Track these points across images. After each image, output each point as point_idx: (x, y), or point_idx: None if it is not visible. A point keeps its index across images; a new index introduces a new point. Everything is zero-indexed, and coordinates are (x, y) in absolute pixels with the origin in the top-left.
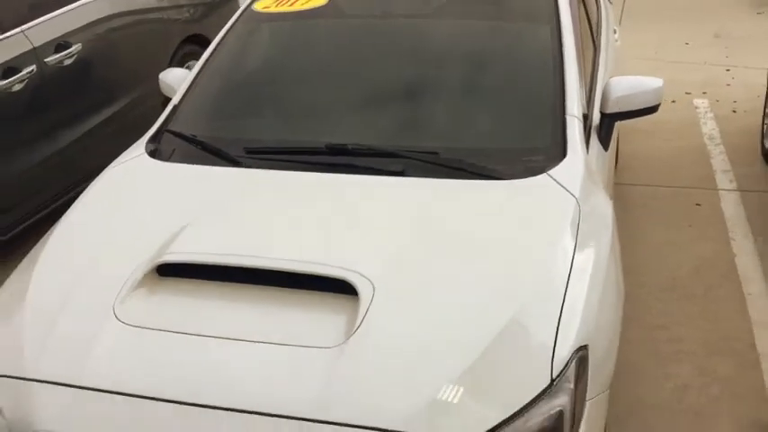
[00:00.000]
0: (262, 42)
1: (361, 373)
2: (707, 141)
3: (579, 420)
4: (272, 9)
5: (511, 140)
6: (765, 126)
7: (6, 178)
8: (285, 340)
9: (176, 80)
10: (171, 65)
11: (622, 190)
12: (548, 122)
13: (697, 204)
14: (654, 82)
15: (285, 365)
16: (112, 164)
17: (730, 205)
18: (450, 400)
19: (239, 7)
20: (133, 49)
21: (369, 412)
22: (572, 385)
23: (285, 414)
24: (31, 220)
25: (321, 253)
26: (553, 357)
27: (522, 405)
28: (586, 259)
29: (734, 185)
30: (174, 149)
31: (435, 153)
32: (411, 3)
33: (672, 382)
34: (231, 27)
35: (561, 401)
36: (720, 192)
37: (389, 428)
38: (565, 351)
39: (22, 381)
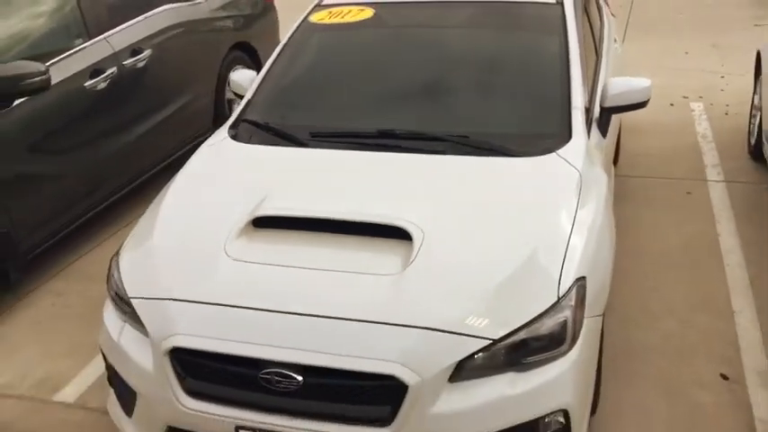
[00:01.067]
0: (318, 47)
1: (415, 292)
2: (700, 140)
3: (579, 332)
4: (327, 21)
5: (526, 127)
6: (751, 126)
7: (93, 164)
8: (356, 269)
9: (245, 79)
10: (221, 69)
11: (624, 181)
12: (556, 113)
13: (688, 193)
14: (643, 82)
15: (357, 286)
16: (204, 145)
17: (717, 194)
18: (483, 309)
19: (277, 18)
20: (192, 54)
21: (415, 316)
22: (573, 303)
23: (357, 318)
24: (114, 198)
25: (381, 208)
26: (559, 283)
27: (535, 315)
28: (586, 215)
29: (721, 177)
30: (252, 135)
31: (466, 136)
32: (442, 15)
33: (659, 330)
34: (292, 35)
35: (565, 314)
36: (709, 182)
37: (438, 328)
38: (568, 279)
39: (158, 300)
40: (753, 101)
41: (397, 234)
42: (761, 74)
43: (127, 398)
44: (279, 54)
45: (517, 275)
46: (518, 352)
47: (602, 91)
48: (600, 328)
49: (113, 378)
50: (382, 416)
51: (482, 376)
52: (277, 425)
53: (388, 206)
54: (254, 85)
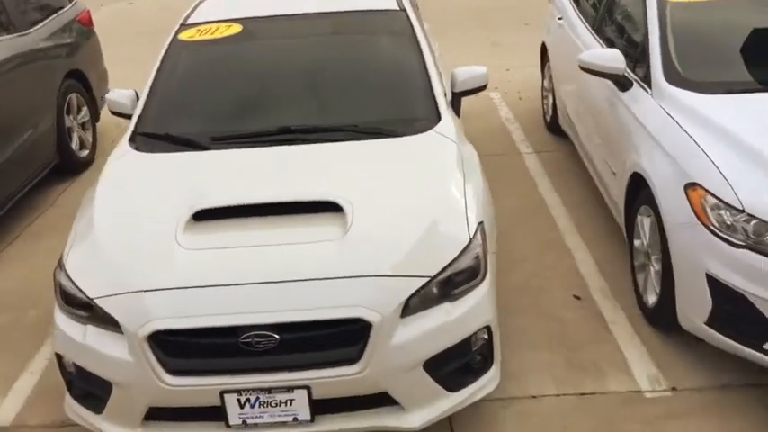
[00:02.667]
0: (196, 62)
1: (359, 250)
2: (505, 122)
3: (486, 264)
4: (197, 38)
5: (401, 113)
6: (545, 106)
7: None
8: (304, 240)
9: (124, 97)
10: (58, 98)
11: None
12: (423, 99)
13: (507, 165)
14: (481, 69)
15: (310, 252)
16: (111, 159)
17: (531, 163)
18: (416, 256)
19: (99, 43)
20: (29, 87)
21: (366, 268)
22: (480, 242)
23: (318, 277)
24: None
25: (307, 189)
26: (468, 227)
27: (456, 254)
28: (469, 176)
29: (531, 149)
30: (153, 145)
31: (355, 125)
32: (306, 26)
33: (522, 271)
34: (166, 53)
35: (477, 251)
36: (523, 155)
37: (387, 274)
38: (473, 224)
39: (125, 295)
40: (543, 85)
41: (327, 208)
42: (548, 61)
43: (96, 395)
44: (158, 71)
45: (436, 226)
46: (447, 286)
47: (451, 79)
48: (495, 262)
49: (77, 380)
50: (351, 355)
51: (424, 309)
52: (258, 381)
53: (312, 186)
54: (142, 102)
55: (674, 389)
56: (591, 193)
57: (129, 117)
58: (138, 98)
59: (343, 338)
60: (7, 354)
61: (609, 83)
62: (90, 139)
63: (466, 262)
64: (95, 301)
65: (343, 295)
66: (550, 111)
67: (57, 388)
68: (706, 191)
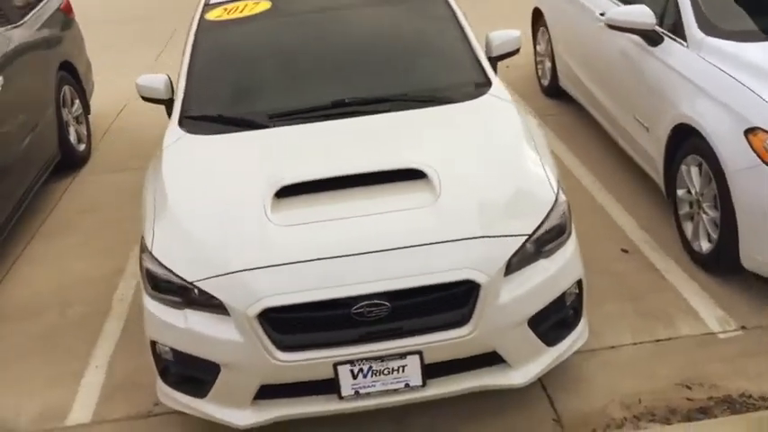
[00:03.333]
0: (232, 41)
1: (455, 214)
2: None
3: (571, 220)
4: (225, 17)
5: (451, 79)
6: (539, 71)
7: None
8: (393, 209)
9: (158, 82)
10: (56, 92)
11: None
12: (470, 65)
13: None
14: (515, 32)
15: (402, 221)
16: (166, 146)
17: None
18: (511, 216)
19: (81, 33)
20: (31, 79)
21: (466, 231)
22: (563, 199)
23: (422, 243)
24: None
25: (387, 158)
26: (551, 186)
27: (547, 212)
28: (534, 133)
29: (535, 115)
30: (206, 127)
31: (406, 94)
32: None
33: None
34: (196, 35)
35: (562, 208)
36: None
37: (489, 235)
38: (554, 182)
39: (229, 275)
40: (536, 51)
41: (409, 176)
42: (542, 27)
43: (198, 379)
44: (192, 53)
45: (521, 187)
46: (541, 243)
47: (486, 43)
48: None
49: (174, 366)
50: (460, 317)
51: (522, 267)
52: (372, 350)
53: (390, 156)
54: (182, 86)
55: (743, 327)
56: (608, 151)
57: (161, 102)
58: (170, 83)
59: (451, 301)
60: (63, 352)
61: (636, 39)
62: (85, 133)
63: (555, 219)
64: (196, 284)
65: (450, 259)
66: (548, 75)
67: (129, 380)
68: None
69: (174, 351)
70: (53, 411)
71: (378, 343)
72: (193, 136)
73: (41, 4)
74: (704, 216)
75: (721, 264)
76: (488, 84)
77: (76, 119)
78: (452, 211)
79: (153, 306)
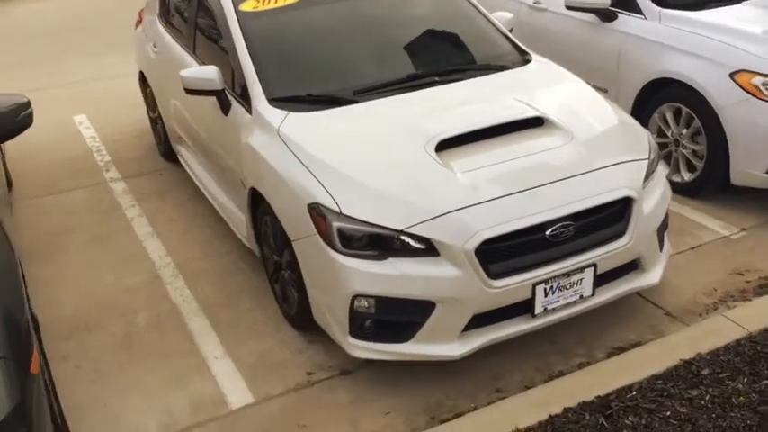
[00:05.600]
0: (283, 28)
1: (595, 148)
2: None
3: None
4: (261, 8)
5: (495, 52)
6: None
7: None
8: (545, 148)
9: (211, 73)
10: None
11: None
12: (501, 39)
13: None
14: (509, 14)
15: (560, 156)
16: (276, 124)
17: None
18: (633, 146)
19: None
20: None
21: (611, 158)
22: (651, 136)
23: (583, 171)
24: None
25: (509, 111)
26: (639, 125)
27: (648, 143)
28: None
29: None
30: (298, 106)
31: (471, 64)
32: None
33: None
34: (241, 26)
35: (655, 145)
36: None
37: (628, 160)
38: (638, 124)
39: (438, 218)
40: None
41: (535, 124)
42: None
43: (406, 323)
44: (246, 42)
45: (623, 125)
46: (652, 168)
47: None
48: None
49: (383, 313)
50: (621, 230)
51: (647, 187)
52: (561, 267)
53: (510, 109)
54: (252, 73)
55: (743, 229)
56: None
57: (212, 94)
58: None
59: (614, 217)
60: (165, 354)
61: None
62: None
63: (656, 151)
64: (407, 231)
65: (611, 181)
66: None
67: (263, 361)
68: (753, 72)
69: (380, 300)
70: (206, 401)
71: (566, 260)
72: (297, 114)
73: None
74: (683, 151)
75: (706, 187)
76: (527, 53)
77: None
78: (591, 145)
79: (352, 262)
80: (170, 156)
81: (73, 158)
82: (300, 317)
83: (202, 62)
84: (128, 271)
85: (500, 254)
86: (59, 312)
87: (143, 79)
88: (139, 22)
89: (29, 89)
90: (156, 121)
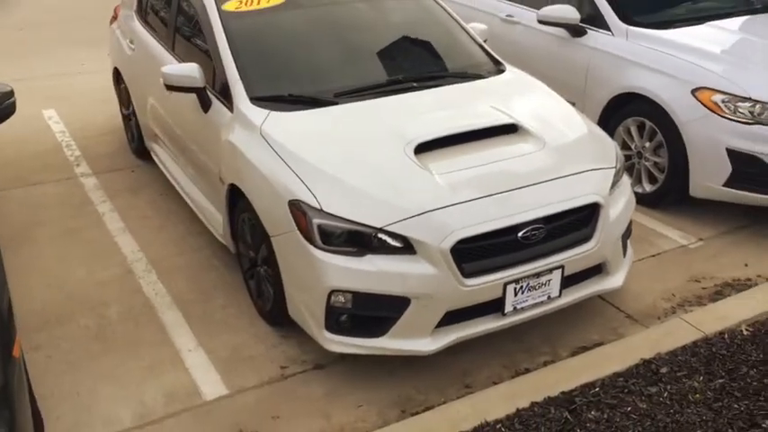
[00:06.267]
0: (265, 29)
1: (567, 154)
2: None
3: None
4: (243, 8)
5: (470, 60)
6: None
7: None
8: (518, 154)
9: (192, 71)
10: None
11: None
12: (477, 49)
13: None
14: (483, 25)
15: (533, 161)
16: (258, 122)
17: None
18: (602, 154)
19: None
20: None
21: (582, 165)
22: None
23: (557, 176)
24: None
25: (484, 118)
26: (603, 131)
27: (615, 152)
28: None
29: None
30: (279, 105)
31: (446, 69)
32: None
33: None
34: (224, 26)
35: (621, 155)
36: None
37: (598, 168)
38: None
39: (416, 218)
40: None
41: (509, 130)
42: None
43: (380, 318)
44: (228, 41)
45: (592, 135)
46: (618, 177)
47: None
48: None
49: (359, 309)
50: (588, 234)
51: (612, 194)
52: (530, 268)
53: (484, 116)
54: (233, 71)
55: (700, 239)
56: None
57: (192, 91)
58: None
59: (582, 222)
60: (138, 346)
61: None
62: None
63: (622, 161)
64: (385, 228)
65: (581, 187)
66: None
67: (237, 355)
68: (713, 90)
69: (357, 296)
70: (179, 392)
71: (536, 261)
72: (279, 113)
73: None
74: (645, 163)
75: (666, 198)
76: (501, 63)
77: None
78: (562, 152)
79: (331, 258)
80: (143, 153)
81: (42, 153)
82: (275, 312)
83: (181, 60)
84: (99, 265)
85: (474, 253)
86: (30, 306)
87: (117, 76)
88: (115, 18)
89: None
90: (130, 118)
